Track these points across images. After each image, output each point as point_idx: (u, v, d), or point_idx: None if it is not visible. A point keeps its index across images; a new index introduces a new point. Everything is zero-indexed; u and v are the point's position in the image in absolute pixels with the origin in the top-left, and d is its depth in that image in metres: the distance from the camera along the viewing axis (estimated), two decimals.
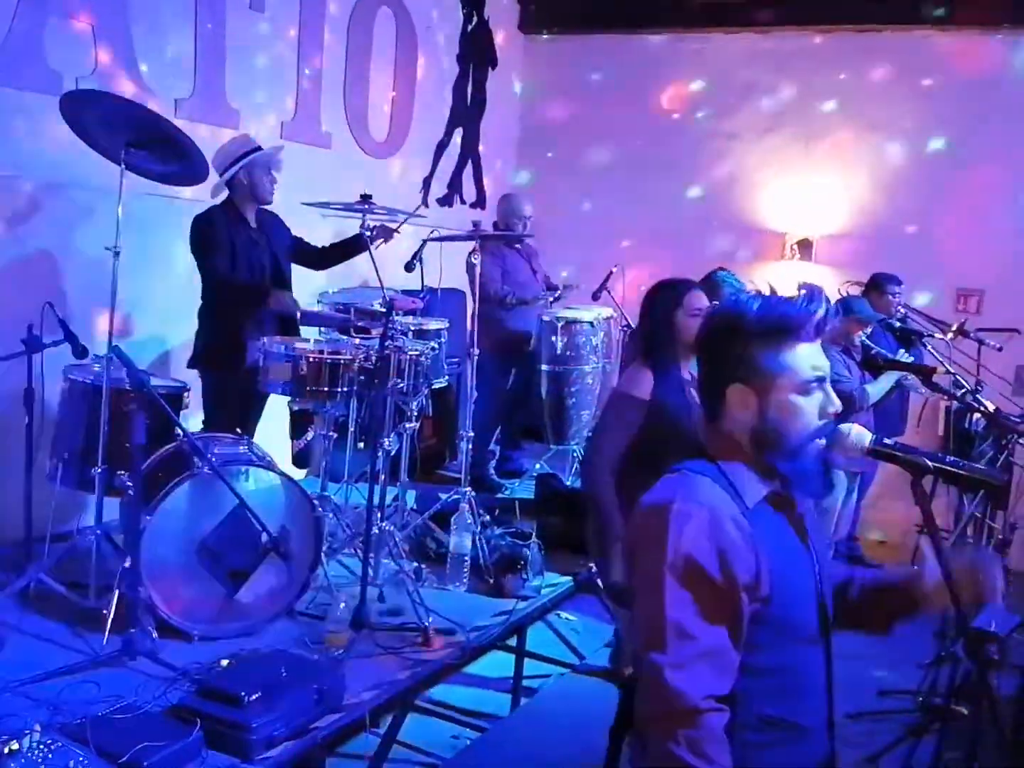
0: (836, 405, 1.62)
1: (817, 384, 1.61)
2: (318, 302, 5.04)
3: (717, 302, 2.93)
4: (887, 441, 1.60)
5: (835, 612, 1.73)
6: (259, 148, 4.30)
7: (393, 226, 4.60)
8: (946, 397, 4.44)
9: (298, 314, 4.38)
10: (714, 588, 1.51)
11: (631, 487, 2.82)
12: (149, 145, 3.61)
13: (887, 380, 4.73)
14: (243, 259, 4.26)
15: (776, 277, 6.83)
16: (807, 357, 1.61)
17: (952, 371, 4.10)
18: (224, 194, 4.32)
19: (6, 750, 2.42)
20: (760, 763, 1.59)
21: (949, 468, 1.58)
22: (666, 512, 1.55)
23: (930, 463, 1.56)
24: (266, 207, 4.43)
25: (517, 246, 5.64)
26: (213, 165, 4.11)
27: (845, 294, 5.58)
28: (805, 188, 6.73)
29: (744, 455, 1.63)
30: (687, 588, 1.51)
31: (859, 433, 1.61)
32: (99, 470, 3.57)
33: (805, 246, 6.71)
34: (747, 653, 1.56)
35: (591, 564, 3.91)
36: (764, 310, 1.60)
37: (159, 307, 4.76)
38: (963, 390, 3.84)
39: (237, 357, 4.21)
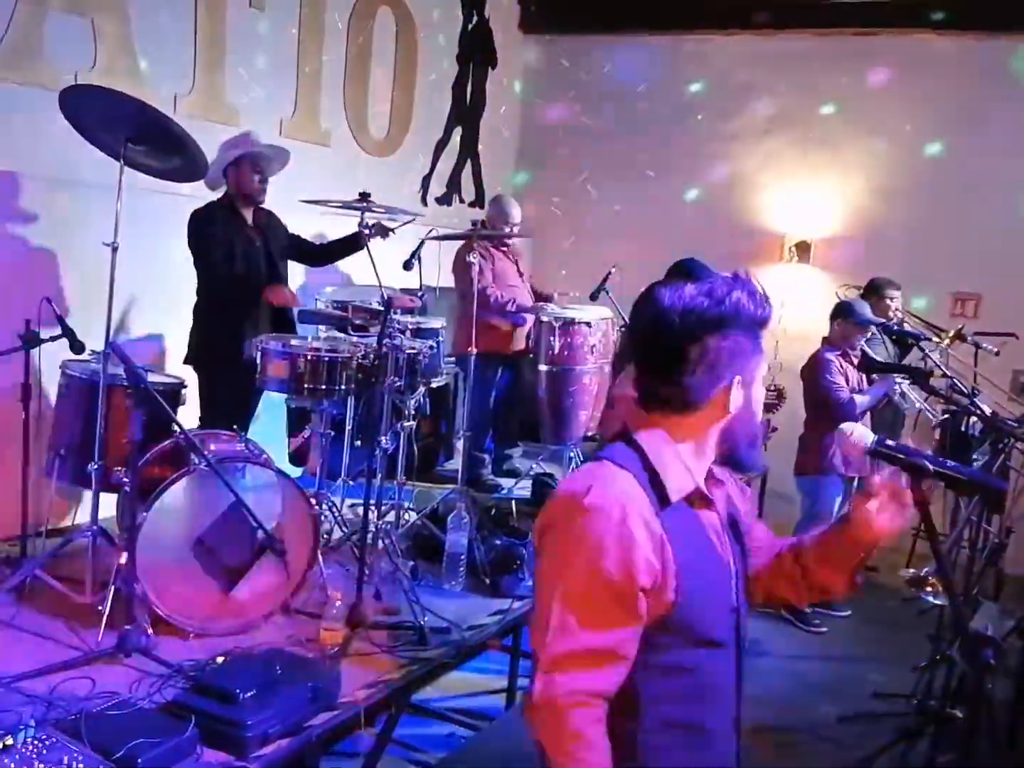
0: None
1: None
2: (316, 300, 5.03)
3: None
4: (889, 442, 1.60)
5: (797, 585, 1.75)
6: (255, 147, 4.29)
7: (391, 225, 4.59)
8: (943, 401, 4.45)
9: (296, 311, 4.37)
10: (610, 588, 1.49)
11: None
12: (149, 141, 3.60)
13: (877, 390, 4.74)
14: (240, 256, 4.27)
15: (774, 279, 6.85)
16: (761, 355, 1.65)
17: (949, 375, 4.11)
18: (222, 190, 4.32)
19: (0, 745, 2.42)
20: (664, 764, 1.59)
21: (949, 472, 1.58)
22: (578, 504, 1.52)
23: (931, 466, 1.57)
24: (263, 205, 4.42)
25: (504, 248, 5.61)
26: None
27: (843, 298, 5.60)
28: (803, 191, 6.74)
29: (687, 443, 1.61)
30: (582, 584, 1.50)
31: (861, 433, 1.61)
32: (95, 466, 3.56)
33: (803, 249, 6.73)
34: (652, 654, 1.55)
35: None
36: (750, 304, 1.59)
37: (157, 303, 4.76)
38: (959, 394, 3.85)
39: (233, 354, 4.21)
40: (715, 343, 1.56)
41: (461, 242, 5.19)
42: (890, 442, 1.62)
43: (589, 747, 1.50)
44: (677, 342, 1.57)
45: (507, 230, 5.52)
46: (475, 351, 4.72)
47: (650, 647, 1.55)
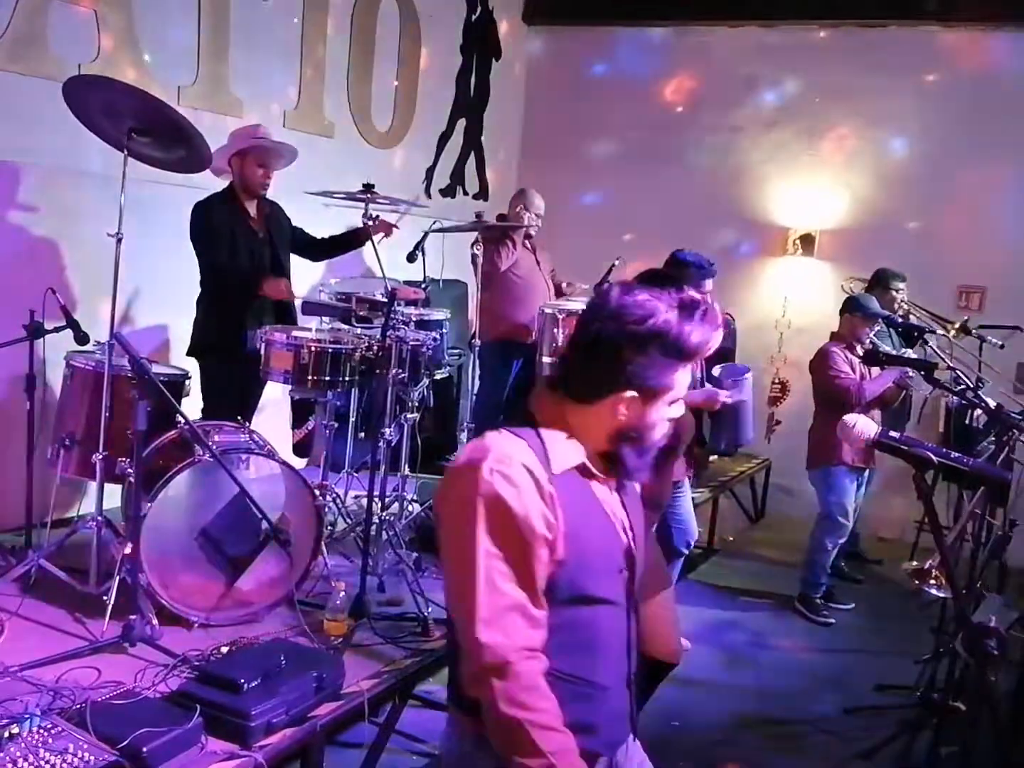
0: (680, 412, 1.70)
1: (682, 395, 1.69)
2: (320, 291, 5.03)
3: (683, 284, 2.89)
4: (892, 434, 1.60)
5: None
6: (263, 141, 4.28)
7: (392, 220, 4.59)
8: (947, 393, 4.44)
9: (298, 301, 4.37)
10: (521, 545, 1.55)
11: None
12: (152, 132, 3.60)
13: (885, 378, 4.75)
14: (242, 247, 4.26)
15: (779, 272, 6.85)
16: (686, 374, 1.67)
17: (954, 367, 4.11)
18: (227, 180, 4.32)
19: (6, 734, 2.43)
20: None
21: (953, 464, 1.58)
22: (478, 471, 1.56)
23: (935, 458, 1.56)
24: (267, 197, 4.42)
25: (525, 240, 5.63)
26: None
27: (849, 291, 5.58)
28: (808, 183, 6.73)
29: (575, 432, 1.66)
30: (496, 545, 1.54)
31: (864, 424, 1.61)
32: (100, 456, 3.57)
33: (808, 241, 6.72)
34: (551, 623, 1.60)
35: None
36: (687, 331, 1.61)
37: (161, 294, 4.76)
38: (964, 386, 3.84)
39: (235, 345, 4.21)
40: (627, 353, 1.60)
41: (464, 234, 5.18)
42: (893, 434, 1.61)
43: (545, 696, 1.54)
44: (594, 336, 1.62)
45: (527, 220, 5.54)
46: (478, 342, 4.72)
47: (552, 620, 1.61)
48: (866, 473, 5.02)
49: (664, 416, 1.68)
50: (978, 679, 1.85)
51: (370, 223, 4.37)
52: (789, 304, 6.79)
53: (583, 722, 1.64)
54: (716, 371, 4.24)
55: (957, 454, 1.59)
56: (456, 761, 1.72)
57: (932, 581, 3.15)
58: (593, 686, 1.68)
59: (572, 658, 1.64)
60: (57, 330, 3.76)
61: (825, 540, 4.93)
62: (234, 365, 4.21)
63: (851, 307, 4.86)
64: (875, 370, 4.79)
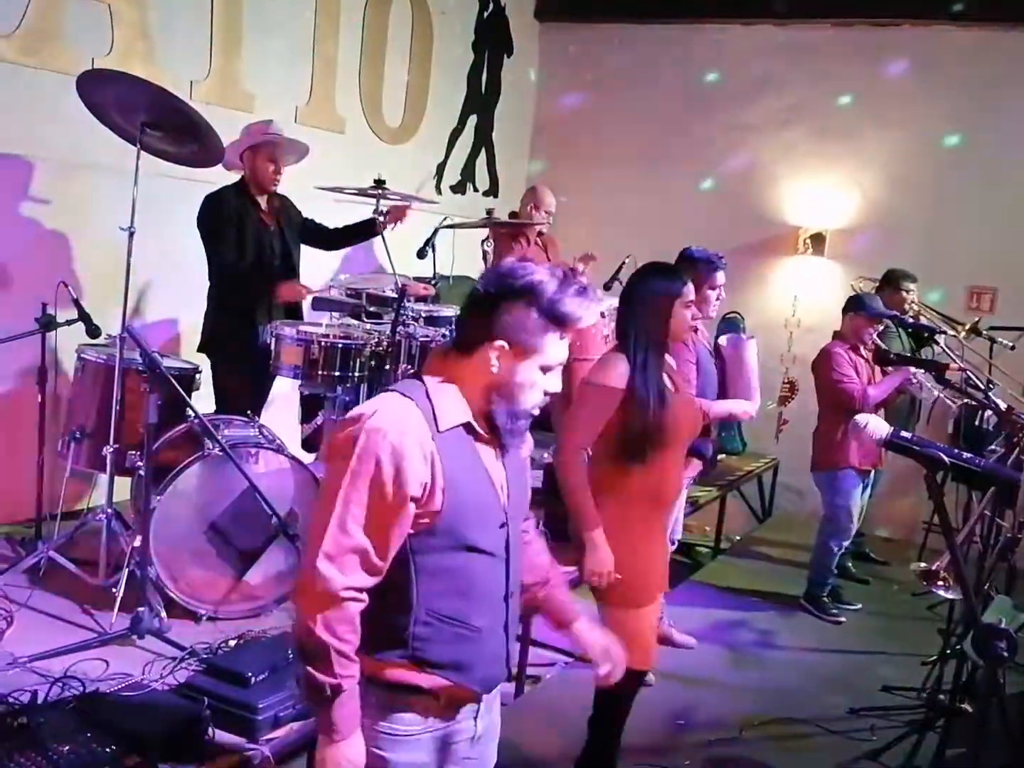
0: (557, 388, 1.85)
1: (556, 368, 1.84)
2: (330, 286, 5.04)
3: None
4: (904, 434, 1.60)
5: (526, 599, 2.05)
6: (275, 137, 4.28)
7: (404, 204, 4.57)
8: (956, 395, 4.42)
9: (310, 298, 4.37)
10: (383, 498, 1.71)
11: (605, 477, 2.83)
12: (165, 126, 3.62)
13: (890, 382, 4.71)
14: (251, 241, 4.26)
15: (789, 272, 6.84)
16: (560, 347, 1.81)
17: (964, 367, 4.09)
18: (238, 174, 4.32)
19: (15, 724, 2.45)
20: (433, 655, 1.81)
21: (965, 464, 1.57)
22: (360, 425, 1.73)
23: (947, 458, 1.56)
24: (278, 192, 4.42)
25: (536, 237, 5.63)
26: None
27: (859, 290, 5.56)
28: (819, 182, 6.70)
29: (460, 385, 1.82)
30: (358, 492, 1.71)
31: (875, 425, 1.61)
32: (110, 449, 3.59)
33: (818, 240, 6.69)
34: (424, 556, 1.78)
35: None
36: (558, 298, 1.76)
37: (172, 288, 4.77)
38: (974, 388, 3.83)
39: (246, 340, 4.22)
40: (503, 306, 1.77)
41: (474, 231, 5.19)
42: (905, 434, 1.61)
43: (355, 631, 1.73)
44: (481, 291, 1.81)
45: (539, 216, 5.54)
46: None
47: (422, 550, 1.78)
48: (872, 474, 4.99)
49: (535, 380, 1.81)
50: (988, 681, 1.85)
51: (381, 218, 4.37)
52: (799, 303, 6.78)
53: (461, 661, 1.83)
54: (722, 340, 4.24)
55: (969, 455, 1.59)
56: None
57: (940, 582, 3.14)
58: (470, 628, 1.83)
59: (452, 602, 1.81)
60: (69, 323, 3.78)
61: (830, 543, 4.91)
62: (245, 360, 4.21)
63: (854, 306, 4.80)
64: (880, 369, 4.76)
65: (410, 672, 1.80)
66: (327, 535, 1.70)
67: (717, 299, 3.84)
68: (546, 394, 1.86)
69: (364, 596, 1.74)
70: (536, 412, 1.86)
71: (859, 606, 5.12)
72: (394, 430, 1.72)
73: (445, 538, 1.78)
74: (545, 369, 1.82)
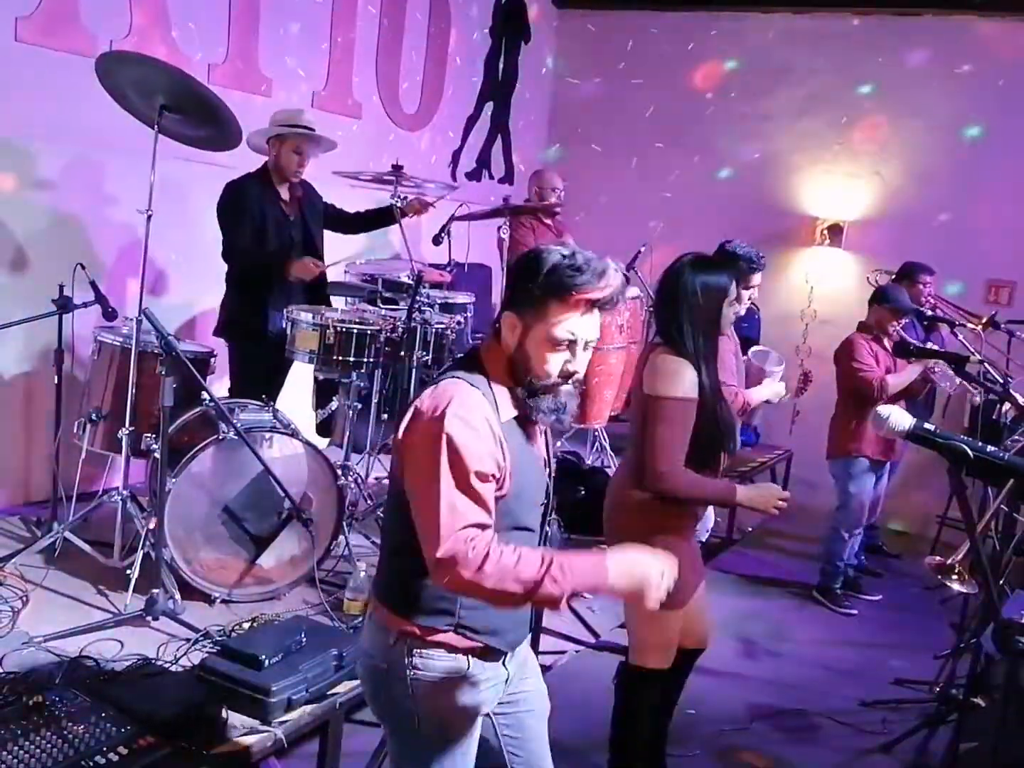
0: (577, 368, 1.88)
1: (566, 345, 1.87)
2: (345, 272, 5.04)
3: (727, 276, 2.79)
4: (927, 426, 1.58)
5: None
6: (302, 128, 4.25)
7: (430, 200, 4.56)
8: (975, 387, 4.40)
9: (329, 273, 4.35)
10: (478, 479, 1.79)
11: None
12: (183, 109, 3.60)
13: (911, 372, 4.69)
14: (271, 229, 4.25)
15: (806, 262, 6.79)
16: (569, 321, 1.85)
17: (983, 360, 4.05)
18: (262, 160, 4.32)
19: (30, 703, 2.46)
20: (475, 623, 1.93)
21: (988, 457, 1.56)
22: (443, 417, 1.80)
23: (971, 451, 1.54)
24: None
25: (548, 221, 5.62)
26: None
27: (875, 283, 5.53)
28: (837, 173, 6.65)
29: (507, 380, 1.90)
30: (459, 482, 1.78)
31: (899, 415, 1.59)
32: (126, 432, 3.60)
33: (835, 231, 6.65)
34: None
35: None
36: (557, 267, 1.82)
37: (189, 272, 4.78)
38: (993, 381, 3.80)
39: (263, 325, 4.22)
40: (514, 280, 1.91)
41: (489, 218, 5.17)
42: (928, 425, 1.59)
43: (505, 554, 1.76)
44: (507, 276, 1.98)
45: (553, 199, 5.54)
46: None
47: None
48: (887, 465, 4.98)
49: (543, 353, 1.86)
50: (1008, 675, 1.84)
51: (399, 204, 4.35)
52: (815, 295, 6.74)
53: (497, 627, 1.96)
54: (752, 355, 4.21)
55: (992, 448, 1.57)
56: (382, 652, 1.97)
57: (954, 576, 3.12)
58: None
59: None
60: (86, 305, 3.79)
61: (841, 530, 4.92)
62: (262, 345, 4.22)
63: (881, 298, 4.80)
64: (901, 362, 4.74)
65: (451, 635, 1.92)
66: (444, 522, 1.75)
67: (749, 299, 3.64)
68: (572, 378, 1.89)
69: (486, 532, 1.79)
70: (564, 399, 1.90)
71: (879, 597, 5.11)
72: (474, 415, 1.81)
73: (503, 520, 1.87)
74: (554, 342, 1.85)
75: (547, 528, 2.04)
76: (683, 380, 2.66)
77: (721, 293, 2.73)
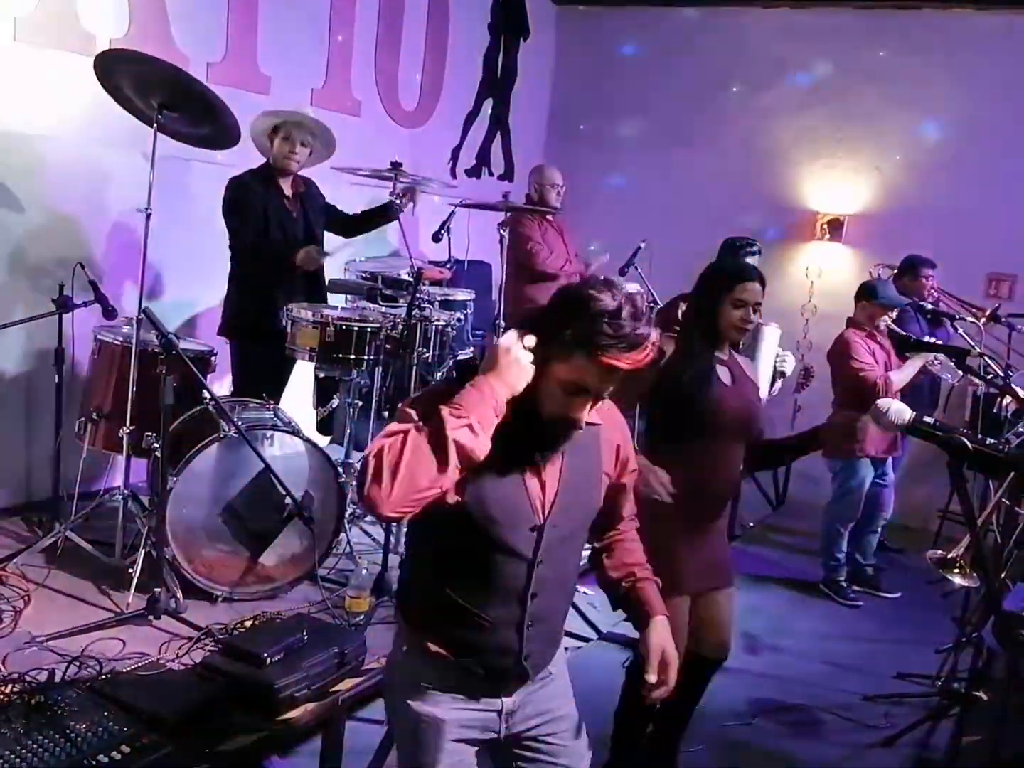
0: (581, 416, 1.80)
1: (579, 393, 1.79)
2: (346, 270, 5.03)
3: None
4: (927, 419, 1.58)
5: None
6: (288, 114, 4.27)
7: (413, 184, 4.57)
8: (976, 381, 4.39)
9: (327, 280, 4.37)
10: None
11: (654, 454, 2.74)
12: (182, 107, 3.61)
13: (912, 367, 4.66)
14: (274, 224, 4.26)
15: (806, 257, 6.79)
16: (588, 374, 1.76)
17: (985, 354, 4.05)
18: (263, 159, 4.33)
19: (33, 702, 2.46)
20: (441, 632, 1.92)
21: (988, 450, 1.56)
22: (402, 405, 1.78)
23: (970, 444, 1.54)
24: (300, 174, 4.41)
25: (549, 218, 5.62)
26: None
27: (878, 277, 5.52)
28: (837, 167, 6.64)
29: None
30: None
31: (899, 409, 1.59)
32: (127, 430, 3.60)
33: (835, 226, 6.64)
34: (454, 553, 1.88)
35: None
36: (603, 320, 1.72)
37: (189, 270, 4.78)
38: (994, 375, 3.80)
39: (266, 324, 4.22)
40: (557, 318, 1.78)
41: (489, 215, 5.17)
42: (928, 419, 1.59)
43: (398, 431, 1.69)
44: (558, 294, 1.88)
45: (553, 195, 5.53)
46: (503, 323, 4.69)
47: (456, 549, 1.87)
48: (888, 461, 4.97)
49: (555, 392, 1.78)
50: (1010, 668, 1.84)
51: (397, 201, 4.35)
52: (815, 289, 6.73)
53: (469, 644, 1.92)
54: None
55: (992, 441, 1.57)
56: (397, 661, 2.02)
57: (956, 570, 3.11)
58: (482, 618, 1.90)
59: (469, 594, 1.89)
60: (86, 304, 3.79)
61: (837, 524, 4.92)
62: (266, 344, 4.21)
63: (866, 294, 4.75)
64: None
65: (425, 639, 1.93)
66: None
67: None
68: (574, 423, 1.82)
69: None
70: (560, 440, 1.84)
71: (898, 595, 5.10)
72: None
73: (481, 539, 1.85)
74: (567, 389, 1.78)
75: (538, 555, 1.90)
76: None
77: (719, 290, 2.82)
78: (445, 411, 1.66)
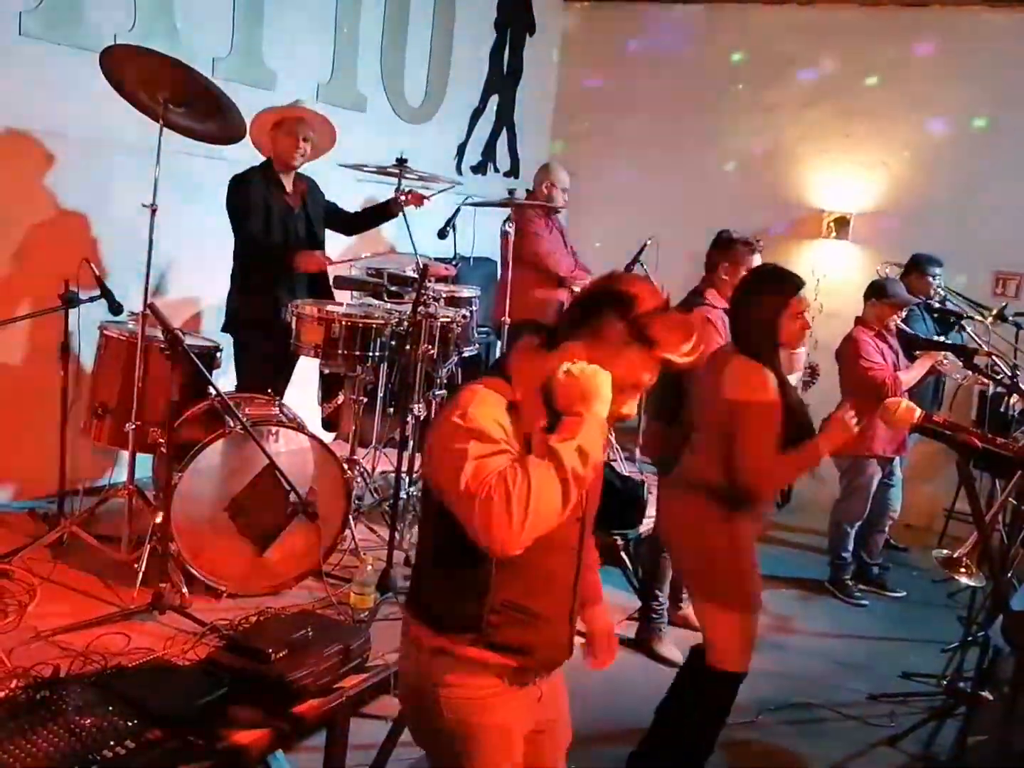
0: (632, 411, 1.85)
1: (626, 388, 1.81)
2: (351, 266, 5.03)
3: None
4: (936, 418, 1.57)
5: None
6: (293, 109, 4.26)
7: (426, 194, 4.56)
8: (983, 380, 4.38)
9: (331, 271, 4.36)
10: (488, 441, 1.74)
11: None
12: (187, 103, 3.60)
13: (921, 367, 4.64)
14: (277, 222, 4.25)
15: (813, 255, 6.77)
16: (639, 368, 1.80)
17: (992, 353, 4.03)
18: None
19: (38, 697, 2.46)
20: (503, 639, 1.89)
21: (998, 450, 1.55)
22: (459, 425, 1.74)
23: (980, 443, 1.53)
24: (303, 172, 4.40)
25: (551, 218, 5.60)
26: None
27: (885, 275, 5.50)
28: (844, 164, 6.63)
29: (536, 401, 1.82)
30: (480, 459, 1.72)
31: (907, 408, 1.58)
32: (132, 426, 3.60)
33: (842, 224, 6.62)
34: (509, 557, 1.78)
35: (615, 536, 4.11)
36: (650, 316, 1.74)
37: (194, 266, 4.78)
38: (1002, 375, 3.78)
39: (269, 320, 4.22)
40: (598, 309, 1.81)
41: (494, 212, 5.16)
42: (937, 418, 1.58)
43: (512, 483, 1.67)
44: (586, 293, 1.92)
45: (557, 194, 5.50)
46: (508, 321, 4.70)
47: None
48: (895, 460, 4.95)
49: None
50: (1016, 668, 1.83)
51: (402, 197, 4.34)
52: (821, 288, 6.71)
53: (526, 645, 1.92)
54: None
55: (1002, 440, 1.56)
56: (415, 669, 1.98)
57: (962, 570, 3.11)
58: (539, 616, 1.92)
59: (525, 592, 1.89)
60: (92, 300, 3.79)
61: (844, 524, 4.91)
62: (269, 340, 4.21)
63: (876, 293, 4.73)
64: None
65: (480, 651, 1.90)
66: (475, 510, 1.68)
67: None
68: (625, 418, 1.86)
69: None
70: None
71: (903, 593, 5.10)
72: (488, 425, 1.74)
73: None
74: (621, 388, 1.78)
75: (582, 543, 1.97)
76: (767, 382, 2.74)
77: (775, 305, 2.83)
78: (571, 448, 1.68)
